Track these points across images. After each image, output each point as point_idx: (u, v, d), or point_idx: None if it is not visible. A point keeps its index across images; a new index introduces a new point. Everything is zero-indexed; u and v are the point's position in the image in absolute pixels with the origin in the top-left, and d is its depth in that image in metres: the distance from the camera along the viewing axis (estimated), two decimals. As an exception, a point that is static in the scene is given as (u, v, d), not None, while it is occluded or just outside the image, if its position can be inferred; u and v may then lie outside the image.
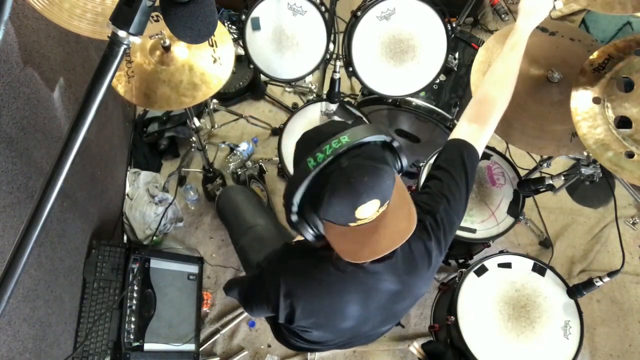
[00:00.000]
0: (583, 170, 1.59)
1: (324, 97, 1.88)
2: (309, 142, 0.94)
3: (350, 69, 1.76)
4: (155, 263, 1.97)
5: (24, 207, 1.28)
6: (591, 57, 1.30)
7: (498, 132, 1.51)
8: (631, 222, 2.53)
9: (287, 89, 2.74)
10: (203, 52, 1.48)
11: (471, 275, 1.71)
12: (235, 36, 2.22)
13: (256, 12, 1.71)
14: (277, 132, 2.31)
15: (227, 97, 2.61)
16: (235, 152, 2.47)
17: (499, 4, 3.01)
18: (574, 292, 1.64)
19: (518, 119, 1.47)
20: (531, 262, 1.72)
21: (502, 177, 1.88)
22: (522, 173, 1.92)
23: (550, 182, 1.66)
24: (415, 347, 1.86)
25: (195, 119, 1.81)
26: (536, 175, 1.86)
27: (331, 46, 1.80)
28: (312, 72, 1.83)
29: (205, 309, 2.14)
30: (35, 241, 0.64)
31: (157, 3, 0.65)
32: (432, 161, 1.86)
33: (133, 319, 1.80)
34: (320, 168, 0.87)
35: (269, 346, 2.13)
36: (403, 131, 2.26)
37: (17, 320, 1.27)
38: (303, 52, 1.79)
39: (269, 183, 2.45)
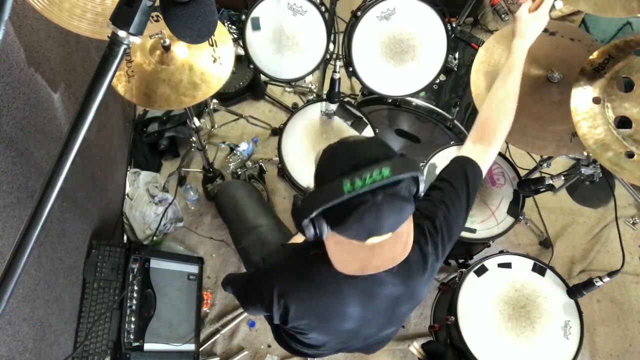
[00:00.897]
0: (583, 170, 1.59)
1: (324, 97, 1.89)
2: (345, 159, 0.89)
3: (350, 69, 1.77)
4: (155, 263, 1.97)
5: (24, 207, 1.28)
6: (591, 57, 1.30)
7: (498, 132, 1.51)
8: (631, 222, 2.53)
9: (287, 89, 2.74)
10: (203, 52, 1.48)
11: (471, 275, 1.71)
12: (235, 36, 2.22)
13: (256, 12, 1.71)
14: (277, 132, 2.31)
15: (227, 97, 2.61)
16: (235, 152, 2.47)
17: (499, 4, 3.01)
18: (574, 292, 1.64)
19: (518, 119, 1.46)
20: (531, 262, 1.72)
21: (502, 177, 1.88)
22: (522, 173, 1.92)
23: (550, 182, 1.66)
24: (415, 347, 1.86)
25: (195, 119, 1.81)
26: (536, 175, 1.86)
27: (331, 46, 1.80)
28: (312, 72, 1.84)
29: (205, 309, 2.14)
30: (35, 241, 0.64)
31: (157, 3, 0.65)
32: (432, 161, 1.86)
33: (133, 319, 1.80)
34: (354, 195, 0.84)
35: (269, 346, 2.13)
36: (403, 131, 2.26)
37: (17, 320, 1.27)
38: (303, 52, 1.79)
39: (269, 183, 2.45)
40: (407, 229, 0.95)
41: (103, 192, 2.01)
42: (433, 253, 1.09)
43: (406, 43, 1.75)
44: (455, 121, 2.01)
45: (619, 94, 1.25)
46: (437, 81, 1.82)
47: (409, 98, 1.98)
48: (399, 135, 2.29)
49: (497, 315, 1.64)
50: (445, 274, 2.23)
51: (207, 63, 1.47)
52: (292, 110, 2.47)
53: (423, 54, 1.76)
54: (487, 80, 1.51)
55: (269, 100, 2.70)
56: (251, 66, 1.81)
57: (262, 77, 2.60)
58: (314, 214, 0.88)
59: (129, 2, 0.62)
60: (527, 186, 1.71)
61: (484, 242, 1.85)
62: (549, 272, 1.71)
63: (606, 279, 1.57)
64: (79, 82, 1.70)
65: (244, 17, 1.72)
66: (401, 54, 1.76)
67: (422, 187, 0.93)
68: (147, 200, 2.19)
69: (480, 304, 1.66)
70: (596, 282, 1.59)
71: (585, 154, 1.58)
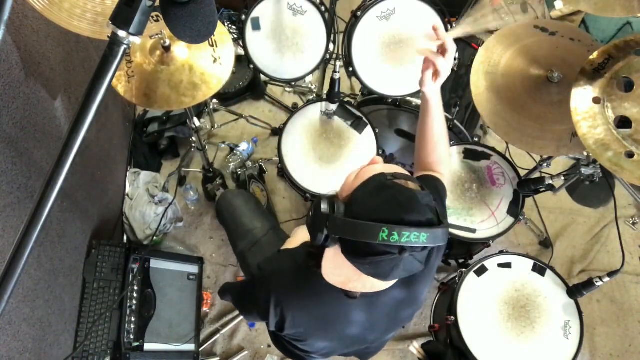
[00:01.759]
0: (583, 170, 1.59)
1: (324, 97, 1.89)
2: (394, 206, 0.84)
3: (350, 69, 1.76)
4: (155, 263, 1.97)
5: (24, 207, 1.28)
6: (591, 57, 1.30)
7: (498, 132, 1.51)
8: (631, 222, 2.53)
9: (287, 89, 2.74)
10: (203, 52, 1.48)
11: (471, 275, 1.71)
12: (235, 36, 2.22)
13: (256, 12, 1.71)
14: (277, 132, 2.31)
15: (227, 97, 2.61)
16: (235, 152, 2.47)
17: (499, 4, 3.01)
18: (574, 292, 1.64)
19: (518, 119, 1.47)
20: (531, 262, 1.72)
21: (502, 177, 1.88)
22: (522, 173, 1.92)
23: (550, 182, 1.66)
24: (415, 347, 1.86)
25: (195, 119, 1.81)
26: (536, 175, 1.86)
27: (331, 46, 1.80)
28: (312, 72, 1.84)
29: (205, 309, 2.14)
30: (35, 241, 0.64)
31: (157, 3, 0.65)
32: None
33: (133, 319, 1.80)
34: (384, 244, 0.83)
35: (269, 346, 2.13)
36: (403, 131, 2.25)
37: (17, 320, 1.27)
38: (303, 52, 1.79)
39: (269, 183, 2.45)
40: None
41: (103, 192, 2.01)
42: (436, 251, 1.09)
43: (406, 43, 1.75)
44: (455, 121, 2.01)
45: (619, 94, 1.25)
46: (437, 81, 1.81)
47: (409, 98, 1.97)
48: (399, 135, 2.29)
49: (497, 315, 1.64)
50: (445, 274, 2.24)
51: (207, 63, 1.47)
52: (292, 110, 2.47)
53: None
54: (487, 80, 1.51)
55: (269, 100, 2.70)
56: (251, 66, 1.81)
57: (262, 77, 2.60)
58: (337, 236, 0.87)
59: (129, 2, 0.62)
60: (527, 186, 1.71)
61: (484, 242, 1.85)
62: (549, 272, 1.71)
63: (606, 279, 1.57)
64: (79, 82, 1.70)
65: (244, 17, 1.72)
66: (401, 54, 1.76)
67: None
68: (147, 200, 2.19)
69: (480, 304, 1.66)
70: (596, 282, 1.58)
71: (585, 154, 1.58)
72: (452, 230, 1.76)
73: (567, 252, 2.43)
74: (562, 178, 1.69)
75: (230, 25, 2.58)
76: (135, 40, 0.63)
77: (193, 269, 2.11)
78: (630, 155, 1.20)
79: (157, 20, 1.20)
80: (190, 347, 1.95)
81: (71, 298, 1.68)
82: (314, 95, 2.60)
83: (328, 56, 1.81)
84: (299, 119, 1.96)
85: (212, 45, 1.48)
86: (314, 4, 1.70)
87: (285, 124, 1.94)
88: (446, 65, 1.17)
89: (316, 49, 1.78)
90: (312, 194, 1.85)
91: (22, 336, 1.29)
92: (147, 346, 1.81)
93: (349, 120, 1.94)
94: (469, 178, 1.86)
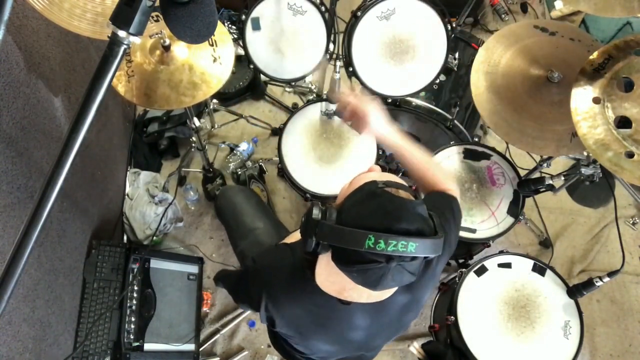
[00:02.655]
0: (583, 170, 1.59)
1: (324, 97, 1.89)
2: (381, 214, 0.85)
3: (350, 69, 1.77)
4: (155, 263, 1.97)
5: (24, 207, 1.28)
6: (591, 57, 1.30)
7: (498, 132, 1.51)
8: (631, 222, 2.53)
9: (287, 89, 2.73)
10: (203, 52, 1.48)
11: (471, 275, 1.71)
12: (235, 36, 2.22)
13: (256, 12, 1.71)
14: (277, 132, 2.31)
15: (227, 97, 2.61)
16: (235, 152, 2.47)
17: (499, 4, 3.01)
18: (574, 292, 1.64)
19: (518, 119, 1.47)
20: (531, 262, 1.72)
21: (502, 177, 1.88)
22: (522, 173, 1.92)
23: (550, 182, 1.66)
24: (415, 347, 1.86)
25: (195, 119, 1.81)
26: (536, 175, 1.86)
27: (331, 46, 1.80)
28: (312, 72, 1.83)
29: (205, 309, 2.14)
30: (35, 241, 0.64)
31: (157, 3, 0.65)
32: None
33: (133, 319, 1.80)
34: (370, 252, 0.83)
35: (269, 346, 2.13)
36: (403, 131, 2.25)
37: (17, 320, 1.27)
38: (303, 52, 1.79)
39: (269, 183, 2.45)
40: None
41: (103, 192, 2.01)
42: (436, 260, 1.09)
43: (406, 43, 1.75)
44: (455, 121, 2.01)
45: (619, 94, 1.25)
46: (437, 81, 1.82)
47: (409, 98, 1.98)
48: (399, 135, 2.28)
49: (497, 315, 1.64)
50: (445, 274, 2.23)
51: (207, 63, 1.47)
52: (292, 110, 2.47)
53: (423, 54, 1.76)
54: (487, 80, 1.52)
55: (269, 100, 2.70)
56: (251, 66, 1.81)
57: (262, 77, 2.60)
58: (325, 242, 0.87)
59: (129, 2, 0.62)
60: (527, 186, 1.71)
61: (484, 242, 1.85)
62: (549, 272, 1.71)
63: (606, 279, 1.57)
64: (79, 82, 1.70)
65: (244, 17, 1.72)
66: (401, 54, 1.76)
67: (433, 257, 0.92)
68: (147, 200, 2.19)
69: (480, 304, 1.66)
70: (596, 282, 1.59)
71: (585, 154, 1.58)
72: (452, 230, 1.76)
73: (567, 252, 2.43)
74: (562, 178, 1.69)
75: (230, 25, 2.58)
76: (135, 40, 0.63)
77: (193, 269, 2.11)
78: (630, 155, 1.21)
79: (157, 20, 1.20)
80: (190, 347, 1.95)
81: (71, 298, 1.68)
82: (314, 95, 2.60)
83: (328, 56, 1.81)
84: (299, 119, 1.96)
85: (212, 45, 1.48)
86: (314, 4, 1.70)
87: (285, 124, 1.94)
88: (363, 114, 1.17)
89: (316, 49, 1.78)
90: (312, 194, 1.85)
91: (22, 336, 1.29)
92: (147, 346, 1.81)
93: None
94: (469, 178, 1.86)
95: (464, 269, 1.74)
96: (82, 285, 1.76)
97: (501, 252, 1.75)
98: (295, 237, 1.42)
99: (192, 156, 2.50)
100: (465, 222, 1.79)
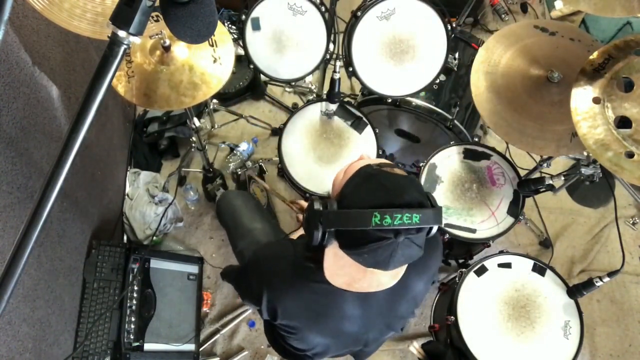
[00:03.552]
0: (583, 170, 1.59)
1: (324, 97, 1.89)
2: (382, 191, 0.88)
3: (350, 69, 1.77)
4: (155, 263, 1.97)
5: (24, 207, 1.28)
6: (591, 57, 1.30)
7: (498, 132, 1.51)
8: (631, 222, 2.53)
9: (287, 89, 2.73)
10: (203, 52, 1.48)
11: (471, 275, 1.71)
12: (235, 36, 2.22)
13: (256, 12, 1.71)
14: (277, 132, 2.31)
15: (227, 97, 2.61)
16: (235, 152, 2.47)
17: (499, 4, 3.01)
18: (574, 292, 1.64)
19: (518, 119, 1.47)
20: (531, 262, 1.72)
21: (502, 177, 1.87)
22: (522, 173, 1.92)
23: (550, 182, 1.66)
24: (415, 347, 1.86)
25: (195, 119, 1.81)
26: (536, 175, 1.86)
27: (331, 46, 1.80)
28: (312, 72, 1.84)
29: (205, 309, 2.14)
30: (35, 241, 0.64)
31: (157, 3, 0.65)
32: (432, 161, 1.86)
33: (133, 319, 1.80)
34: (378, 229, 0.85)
35: (269, 346, 2.12)
36: (403, 131, 2.26)
37: (17, 320, 1.27)
38: (303, 52, 1.79)
39: (269, 183, 2.45)
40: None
41: (103, 192, 2.01)
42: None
43: (406, 43, 1.75)
44: (455, 121, 2.01)
45: (619, 94, 1.25)
46: (437, 81, 1.82)
47: (409, 98, 1.98)
48: (398, 135, 2.29)
49: (497, 315, 1.64)
50: (445, 274, 2.24)
51: (207, 63, 1.47)
52: (292, 110, 2.47)
53: (423, 54, 1.76)
54: (487, 80, 1.52)
55: (269, 100, 2.70)
56: (251, 66, 1.81)
57: (262, 77, 2.60)
58: (332, 229, 0.89)
59: (129, 2, 0.62)
60: (527, 186, 1.71)
61: (484, 242, 1.85)
62: (549, 272, 1.71)
63: (606, 279, 1.57)
64: (79, 82, 1.70)
65: (244, 17, 1.72)
66: (401, 54, 1.76)
67: (434, 230, 0.94)
68: (147, 200, 2.19)
69: (480, 304, 1.66)
70: (596, 282, 1.58)
71: (585, 154, 1.58)
72: (452, 230, 1.77)
73: (567, 252, 2.43)
74: (562, 178, 1.69)
75: (230, 25, 2.58)
76: (135, 40, 0.63)
77: (193, 269, 2.11)
78: (630, 155, 1.21)
79: (157, 20, 1.20)
80: (190, 347, 1.95)
81: (71, 298, 1.68)
82: (314, 95, 2.60)
83: (328, 56, 1.81)
84: (299, 119, 1.96)
85: (212, 45, 1.48)
86: (314, 4, 1.70)
87: (285, 124, 1.94)
88: None
89: (316, 49, 1.78)
90: (312, 194, 1.85)
91: (22, 336, 1.29)
92: (147, 346, 1.81)
93: (349, 120, 1.94)
94: (469, 178, 1.86)
95: (464, 269, 1.74)
96: (82, 285, 1.76)
97: (501, 252, 1.75)
98: (295, 235, 1.43)
99: (192, 156, 2.50)
100: (465, 222, 1.79)
